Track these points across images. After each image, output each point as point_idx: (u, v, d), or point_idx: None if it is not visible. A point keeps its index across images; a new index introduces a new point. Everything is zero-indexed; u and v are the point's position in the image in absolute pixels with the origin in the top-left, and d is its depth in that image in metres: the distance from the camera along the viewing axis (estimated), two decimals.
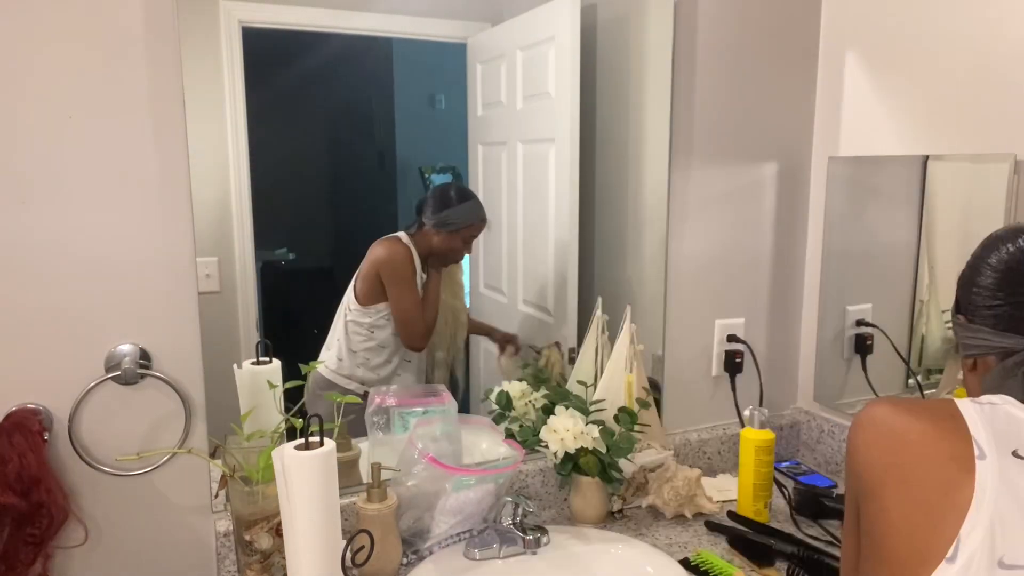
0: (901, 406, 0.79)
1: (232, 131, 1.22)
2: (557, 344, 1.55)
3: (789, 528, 1.38)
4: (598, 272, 1.56)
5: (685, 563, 1.24)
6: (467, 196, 1.49)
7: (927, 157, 1.38)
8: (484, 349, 1.61)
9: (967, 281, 0.88)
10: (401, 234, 1.43)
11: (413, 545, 1.25)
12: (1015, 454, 0.72)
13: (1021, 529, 0.69)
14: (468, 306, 1.55)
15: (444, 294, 1.49)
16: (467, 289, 1.57)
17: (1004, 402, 0.78)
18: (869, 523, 0.76)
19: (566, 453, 1.33)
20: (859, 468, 0.78)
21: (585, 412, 1.38)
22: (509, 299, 1.59)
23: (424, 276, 1.47)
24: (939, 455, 0.73)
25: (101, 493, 1.17)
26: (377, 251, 1.41)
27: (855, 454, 0.80)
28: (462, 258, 1.52)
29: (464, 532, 1.27)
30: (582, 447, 1.33)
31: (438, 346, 1.51)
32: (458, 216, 1.47)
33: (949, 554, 0.69)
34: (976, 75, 1.31)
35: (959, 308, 0.90)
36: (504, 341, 1.56)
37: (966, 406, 0.77)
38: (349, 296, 1.41)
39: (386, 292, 1.41)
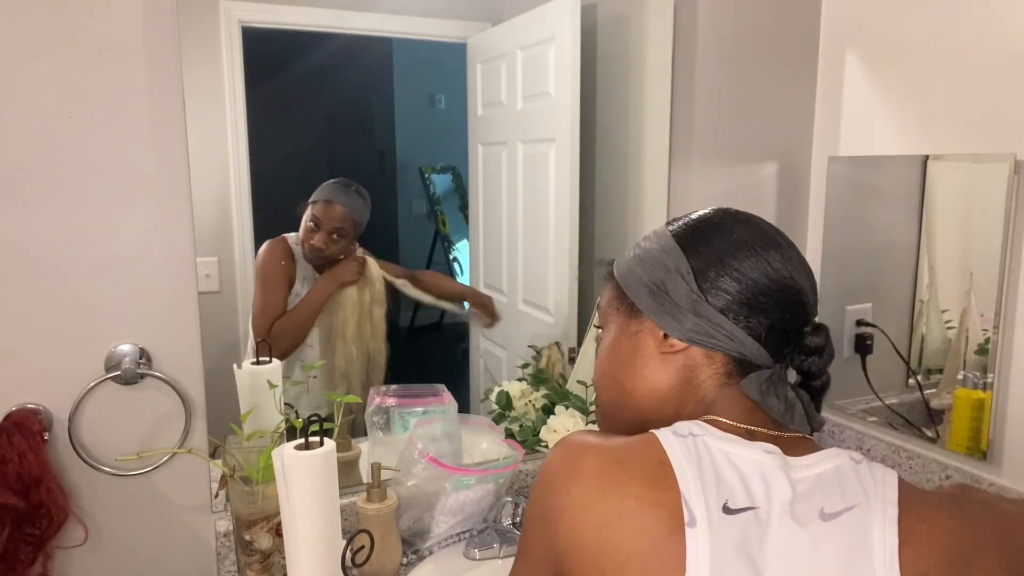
0: (610, 458, 0.67)
1: (232, 131, 1.22)
2: (557, 344, 1.55)
3: None
4: (598, 272, 1.56)
5: None
6: (335, 180, 1.35)
7: (927, 157, 1.38)
8: (484, 349, 1.61)
9: (723, 261, 0.74)
10: (290, 235, 1.34)
11: (413, 545, 1.25)
12: (726, 509, 0.64)
13: None
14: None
15: (353, 328, 1.37)
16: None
17: (704, 432, 0.69)
18: None
19: None
20: (565, 541, 0.65)
21: (585, 412, 1.38)
22: (509, 299, 1.59)
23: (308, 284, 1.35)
24: (656, 528, 0.63)
25: (101, 493, 1.17)
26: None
27: (560, 519, 0.66)
28: (319, 251, 1.34)
29: (464, 532, 1.27)
30: None
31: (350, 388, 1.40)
32: (316, 191, 1.34)
33: None
34: (976, 75, 1.31)
35: (700, 285, 0.74)
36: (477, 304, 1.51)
37: (671, 446, 0.67)
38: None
39: None
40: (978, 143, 1.32)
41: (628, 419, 0.79)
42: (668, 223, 0.83)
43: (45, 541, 1.09)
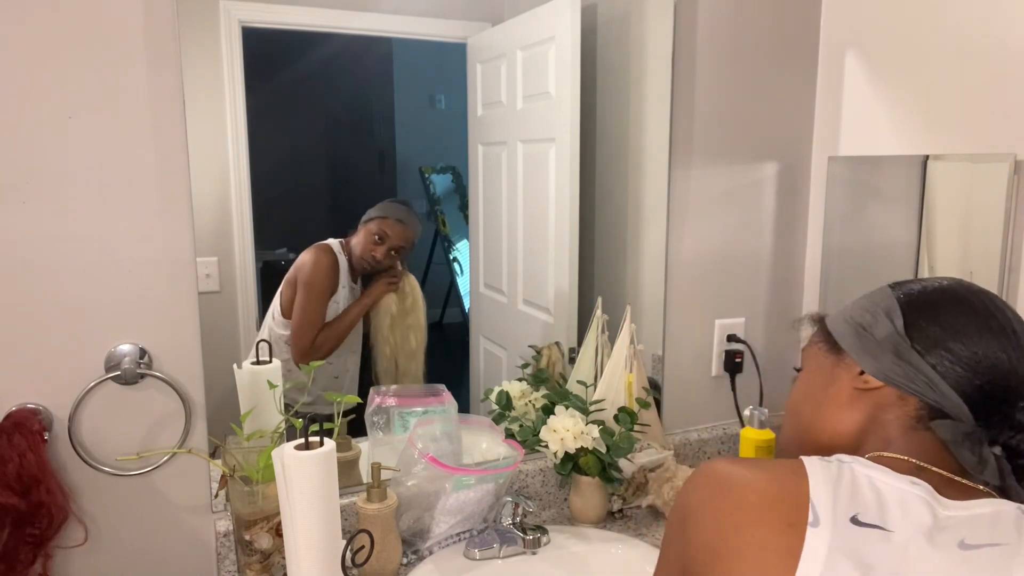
0: (742, 462, 0.71)
1: (232, 131, 1.22)
2: (557, 344, 1.55)
3: None
4: (598, 272, 1.56)
5: None
6: (399, 201, 1.45)
7: (927, 157, 1.38)
8: (484, 349, 1.61)
9: (939, 316, 0.73)
10: (333, 241, 1.39)
11: (413, 545, 1.25)
12: (855, 520, 0.64)
13: None
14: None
15: (387, 330, 1.42)
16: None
17: (854, 460, 0.69)
18: None
19: (566, 453, 1.33)
20: (695, 533, 0.68)
21: (585, 412, 1.38)
22: (509, 299, 1.59)
23: (352, 292, 1.40)
24: (777, 520, 0.65)
25: (101, 493, 1.17)
26: (302, 256, 1.36)
27: (691, 516, 0.70)
28: (377, 263, 1.40)
29: (464, 532, 1.27)
30: (582, 447, 1.33)
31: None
32: (377, 209, 1.41)
33: None
34: (976, 75, 1.31)
35: (908, 331, 0.74)
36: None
37: (812, 463, 0.69)
38: (274, 306, 1.34)
39: None
40: (978, 143, 1.32)
41: (806, 454, 0.76)
42: (890, 285, 0.81)
43: (45, 541, 1.09)
